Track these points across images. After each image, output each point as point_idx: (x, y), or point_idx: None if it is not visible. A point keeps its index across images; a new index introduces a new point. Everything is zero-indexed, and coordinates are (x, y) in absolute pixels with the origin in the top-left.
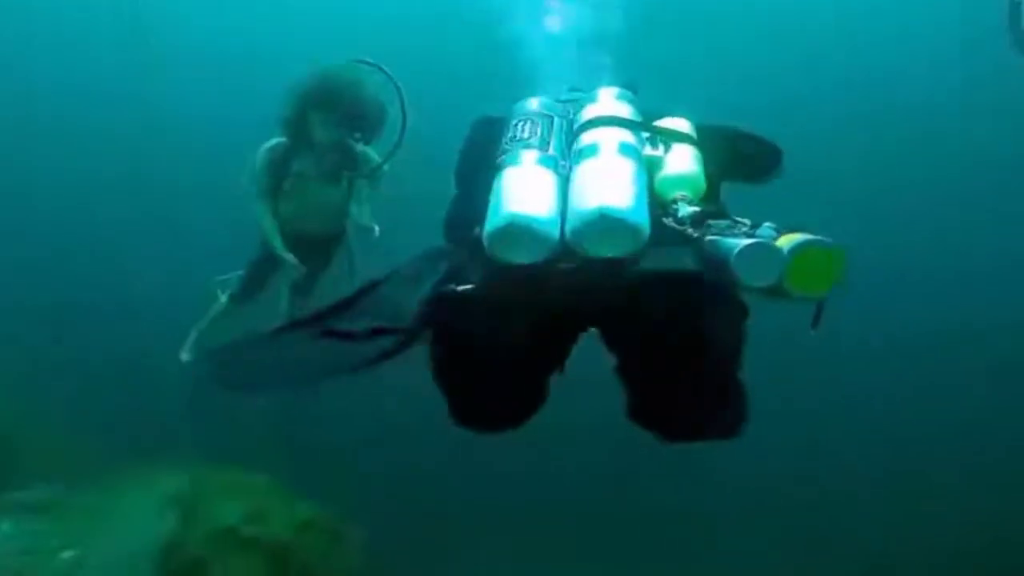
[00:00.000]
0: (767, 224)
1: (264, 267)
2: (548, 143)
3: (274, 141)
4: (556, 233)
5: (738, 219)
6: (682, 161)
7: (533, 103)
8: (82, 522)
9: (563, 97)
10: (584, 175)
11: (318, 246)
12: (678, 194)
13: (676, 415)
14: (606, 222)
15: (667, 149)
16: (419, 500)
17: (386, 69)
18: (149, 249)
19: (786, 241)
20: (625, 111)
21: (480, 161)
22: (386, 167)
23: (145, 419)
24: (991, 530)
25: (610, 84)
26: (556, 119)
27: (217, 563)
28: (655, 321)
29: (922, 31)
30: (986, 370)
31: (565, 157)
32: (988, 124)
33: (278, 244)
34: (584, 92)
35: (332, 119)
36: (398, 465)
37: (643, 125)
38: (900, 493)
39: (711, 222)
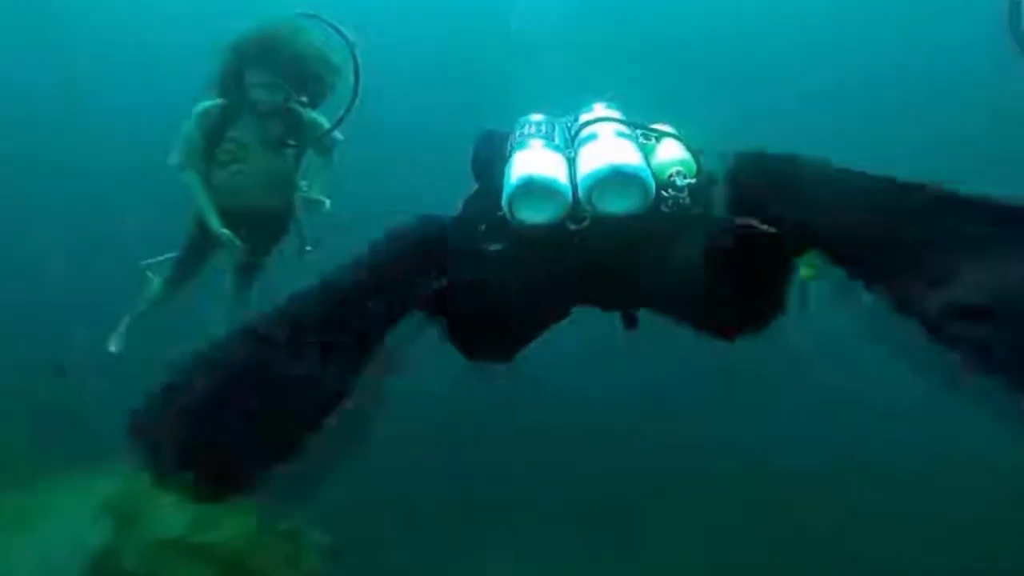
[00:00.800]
0: None
1: (199, 246)
2: (553, 137)
3: (208, 103)
4: (569, 192)
5: None
6: (672, 149)
7: (535, 117)
8: (3, 533)
9: (560, 114)
10: (589, 150)
11: (261, 223)
12: (674, 169)
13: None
14: (619, 176)
15: (658, 142)
16: (385, 502)
17: (338, 26)
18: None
19: None
20: (617, 116)
21: (491, 163)
22: (337, 134)
23: (80, 418)
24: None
25: (599, 100)
26: (558, 125)
27: (160, 575)
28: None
29: (922, 31)
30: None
31: (568, 147)
32: (988, 124)
33: (213, 220)
34: (578, 108)
35: (271, 78)
36: (363, 465)
37: (636, 123)
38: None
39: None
